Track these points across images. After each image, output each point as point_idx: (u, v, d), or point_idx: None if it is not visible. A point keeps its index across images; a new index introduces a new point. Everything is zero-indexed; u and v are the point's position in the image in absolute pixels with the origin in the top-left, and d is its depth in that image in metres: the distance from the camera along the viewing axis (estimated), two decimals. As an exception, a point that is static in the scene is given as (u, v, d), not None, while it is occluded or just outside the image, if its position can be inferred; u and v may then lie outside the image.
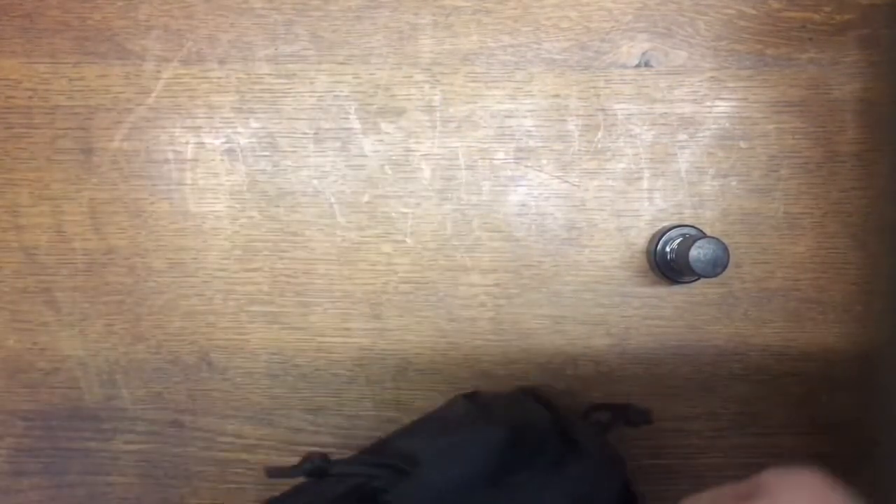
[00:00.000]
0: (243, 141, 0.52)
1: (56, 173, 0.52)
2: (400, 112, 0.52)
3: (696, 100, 0.52)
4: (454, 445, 0.42)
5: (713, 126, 0.52)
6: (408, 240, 0.53)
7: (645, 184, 0.53)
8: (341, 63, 0.52)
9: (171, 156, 0.52)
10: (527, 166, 0.52)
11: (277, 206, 0.53)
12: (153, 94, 0.52)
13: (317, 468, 0.40)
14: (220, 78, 0.52)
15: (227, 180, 0.52)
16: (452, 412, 0.48)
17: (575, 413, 0.48)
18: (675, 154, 0.52)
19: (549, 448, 0.42)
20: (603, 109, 0.52)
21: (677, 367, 0.53)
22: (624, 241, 0.53)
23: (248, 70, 0.52)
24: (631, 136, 0.52)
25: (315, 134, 0.52)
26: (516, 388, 0.50)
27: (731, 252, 0.46)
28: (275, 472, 0.41)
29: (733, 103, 0.52)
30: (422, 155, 0.52)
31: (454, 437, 0.43)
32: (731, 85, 0.52)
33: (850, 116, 0.52)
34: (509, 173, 0.52)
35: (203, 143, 0.52)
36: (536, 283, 0.53)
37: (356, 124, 0.52)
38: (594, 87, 0.52)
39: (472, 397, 0.49)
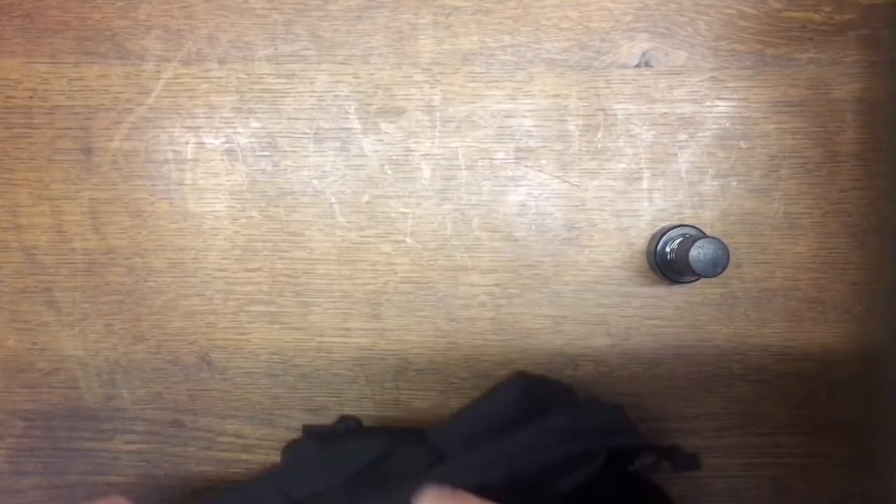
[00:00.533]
0: (243, 141, 0.52)
1: (56, 173, 0.52)
2: (400, 112, 0.52)
3: (696, 100, 0.52)
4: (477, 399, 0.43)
5: (713, 126, 0.52)
6: (408, 240, 0.53)
7: (645, 184, 0.52)
8: (341, 63, 0.52)
9: (171, 156, 0.52)
10: (527, 166, 0.52)
11: (277, 206, 0.53)
12: (153, 94, 0.52)
13: (350, 430, 0.43)
14: (220, 78, 0.52)
15: (227, 180, 0.52)
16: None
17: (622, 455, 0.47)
18: (675, 154, 0.52)
19: (562, 410, 0.44)
20: (603, 109, 0.52)
21: (677, 367, 0.53)
22: (624, 241, 0.53)
23: (248, 70, 0.52)
24: (631, 136, 0.52)
25: (315, 134, 0.52)
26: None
27: (731, 252, 0.46)
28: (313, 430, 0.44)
29: (733, 103, 0.52)
30: (422, 155, 0.52)
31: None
32: (731, 85, 0.52)
33: (850, 116, 0.52)
34: (509, 173, 0.52)
35: (203, 143, 0.52)
36: (536, 283, 0.53)
37: (356, 124, 0.52)
38: (594, 87, 0.52)
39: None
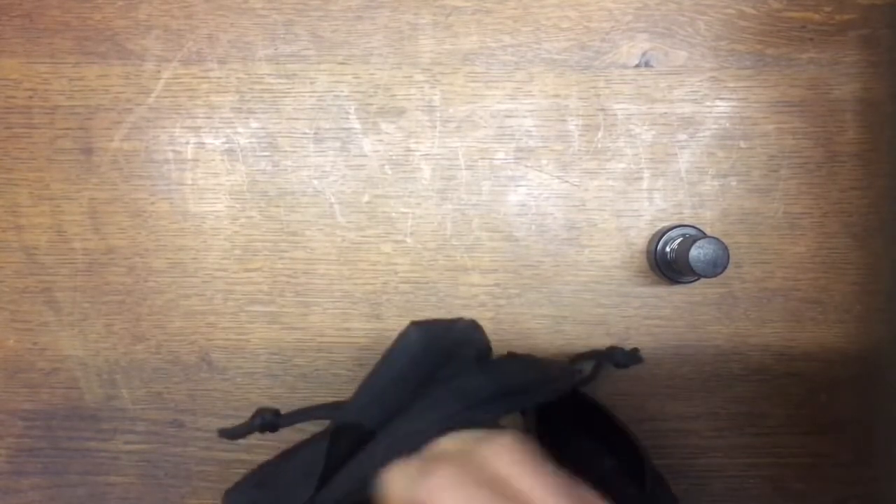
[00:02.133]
0: (243, 141, 0.52)
1: (56, 173, 0.52)
2: (400, 112, 0.52)
3: (696, 100, 0.52)
4: (375, 367, 0.41)
5: (713, 126, 0.52)
6: (408, 240, 0.53)
7: (645, 184, 0.52)
8: (341, 63, 0.52)
9: (171, 156, 0.52)
10: (527, 166, 0.52)
11: (277, 206, 0.53)
12: (153, 94, 0.52)
13: (268, 422, 0.41)
14: (220, 78, 0.52)
15: (227, 180, 0.52)
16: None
17: (560, 364, 0.48)
18: (675, 154, 0.52)
19: (464, 356, 0.42)
20: (603, 109, 0.52)
21: (677, 367, 0.53)
22: (624, 241, 0.53)
23: (248, 70, 0.52)
24: (631, 136, 0.52)
25: (315, 134, 0.52)
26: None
27: (731, 252, 0.46)
28: (227, 433, 0.41)
29: (733, 103, 0.52)
30: (422, 155, 0.52)
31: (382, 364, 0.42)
32: (731, 85, 0.52)
33: (850, 116, 0.52)
34: (509, 173, 0.52)
35: (203, 143, 0.52)
36: (536, 283, 0.53)
37: (356, 124, 0.52)
38: (594, 87, 0.52)
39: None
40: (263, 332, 0.53)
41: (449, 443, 0.35)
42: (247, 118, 0.52)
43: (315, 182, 0.52)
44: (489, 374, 0.39)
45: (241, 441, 0.54)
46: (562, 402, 0.43)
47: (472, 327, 0.43)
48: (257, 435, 0.53)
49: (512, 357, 0.46)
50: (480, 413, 0.38)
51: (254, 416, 0.41)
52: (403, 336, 0.41)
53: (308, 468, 0.39)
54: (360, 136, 0.52)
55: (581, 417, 0.48)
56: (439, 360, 0.41)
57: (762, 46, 0.52)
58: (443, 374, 0.40)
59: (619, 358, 0.49)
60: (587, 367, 0.49)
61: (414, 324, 0.41)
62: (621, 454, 0.47)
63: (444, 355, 0.41)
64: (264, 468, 0.43)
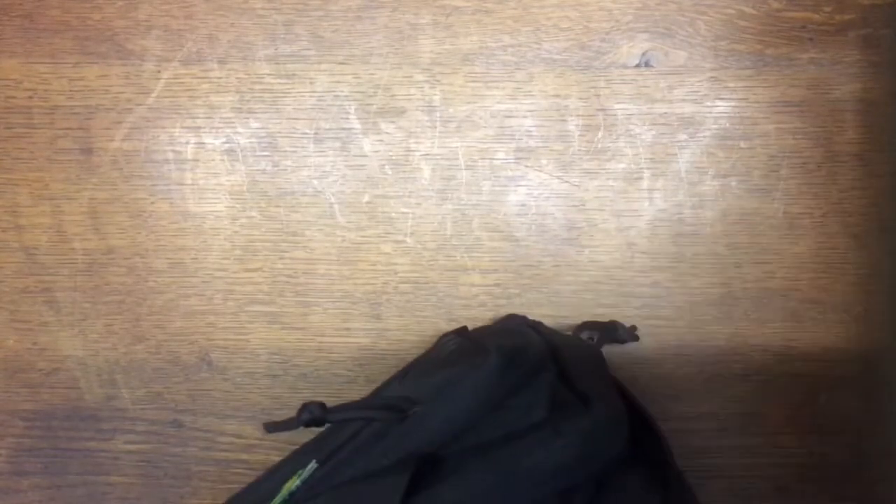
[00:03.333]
0: (243, 141, 0.52)
1: (56, 173, 0.52)
2: (400, 112, 0.52)
3: (696, 100, 0.52)
4: (449, 380, 0.42)
5: (713, 126, 0.52)
6: (408, 240, 0.53)
7: (645, 184, 0.52)
8: (341, 63, 0.52)
9: (171, 156, 0.52)
10: (527, 166, 0.52)
11: (277, 206, 0.53)
12: (153, 94, 0.52)
13: (315, 417, 0.41)
14: (220, 78, 0.52)
15: (227, 180, 0.52)
16: (443, 350, 0.48)
17: (565, 333, 0.50)
18: (675, 154, 0.52)
19: (544, 371, 0.43)
20: (603, 109, 0.52)
21: (677, 367, 0.53)
22: (624, 241, 0.53)
23: (248, 70, 0.52)
24: (631, 136, 0.52)
25: (315, 134, 0.52)
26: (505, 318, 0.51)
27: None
28: (273, 427, 0.41)
29: (733, 103, 0.52)
30: (422, 155, 0.52)
31: (448, 372, 0.43)
32: (731, 85, 0.52)
33: (850, 116, 0.52)
34: (509, 173, 0.52)
35: (203, 143, 0.52)
36: (536, 283, 0.53)
37: (356, 124, 0.52)
38: (594, 87, 0.52)
39: (460, 332, 0.50)
40: (263, 332, 0.53)
41: None
42: (247, 118, 0.52)
43: (315, 182, 0.52)
44: (563, 442, 0.40)
45: (241, 441, 0.54)
46: None
47: (545, 349, 0.44)
48: (257, 435, 0.54)
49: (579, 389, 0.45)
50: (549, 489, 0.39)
51: (300, 411, 0.41)
52: (483, 358, 0.42)
53: (385, 497, 0.38)
54: (360, 136, 0.52)
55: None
56: (516, 386, 0.41)
57: (762, 46, 0.52)
58: (514, 403, 0.41)
59: (619, 334, 0.50)
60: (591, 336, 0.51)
61: (495, 347, 0.42)
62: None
63: (519, 383, 0.42)
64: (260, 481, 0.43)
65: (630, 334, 0.51)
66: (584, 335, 0.51)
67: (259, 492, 0.42)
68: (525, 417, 0.41)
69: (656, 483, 0.44)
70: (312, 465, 0.41)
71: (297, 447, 0.45)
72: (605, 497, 0.41)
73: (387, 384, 0.47)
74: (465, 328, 0.51)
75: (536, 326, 0.50)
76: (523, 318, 0.51)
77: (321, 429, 0.43)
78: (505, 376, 0.41)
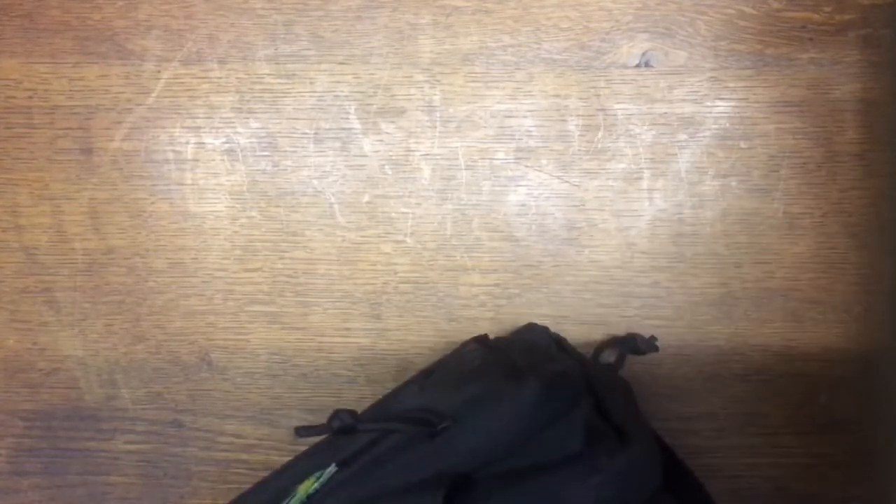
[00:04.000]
0: (243, 141, 0.52)
1: (56, 173, 0.52)
2: (400, 112, 0.52)
3: (696, 100, 0.52)
4: (482, 399, 0.41)
5: (713, 126, 0.52)
6: (408, 240, 0.53)
7: (645, 184, 0.52)
8: (341, 63, 0.52)
9: (171, 156, 0.52)
10: (527, 166, 0.52)
11: (277, 206, 0.53)
12: (153, 94, 0.52)
13: (346, 425, 0.41)
14: (220, 78, 0.52)
15: (227, 180, 0.52)
16: (467, 361, 0.47)
17: (585, 355, 0.49)
18: (675, 154, 0.52)
19: (582, 401, 0.42)
20: (603, 109, 0.52)
21: (677, 367, 0.53)
22: (624, 241, 0.53)
23: (248, 70, 0.52)
24: (631, 136, 0.52)
25: (315, 134, 0.52)
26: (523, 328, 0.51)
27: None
28: (304, 431, 0.41)
29: (733, 103, 0.52)
30: (422, 155, 0.52)
31: (479, 389, 0.42)
32: (731, 85, 0.52)
33: (850, 116, 0.52)
34: (509, 173, 0.52)
35: (203, 143, 0.52)
36: (536, 283, 0.53)
37: (356, 124, 0.52)
38: (594, 87, 0.52)
39: (482, 341, 0.49)
40: (263, 332, 0.53)
41: None
42: (247, 118, 0.52)
43: (315, 182, 0.52)
44: (600, 479, 0.39)
45: (241, 441, 0.54)
46: None
47: (581, 377, 0.44)
48: (257, 435, 0.54)
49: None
50: None
51: (331, 418, 0.41)
52: (523, 384, 0.41)
53: None
54: (360, 136, 0.52)
55: None
56: (553, 416, 0.41)
57: (762, 46, 0.52)
58: (551, 433, 0.41)
59: (639, 345, 0.50)
60: (610, 356, 0.51)
61: (535, 374, 0.41)
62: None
63: (557, 413, 0.41)
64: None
65: (650, 345, 0.51)
66: (605, 354, 0.51)
67: (267, 491, 0.42)
68: (560, 448, 0.40)
69: None
70: (332, 468, 0.41)
71: (302, 447, 0.45)
72: None
73: (402, 388, 0.47)
74: (485, 336, 0.51)
75: (560, 342, 0.49)
76: (544, 329, 0.50)
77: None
78: (545, 405, 0.41)
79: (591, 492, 0.39)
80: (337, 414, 0.41)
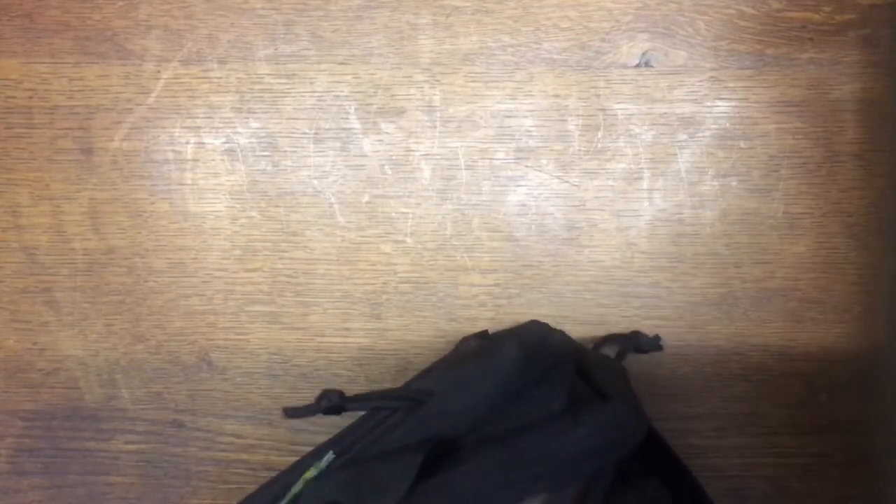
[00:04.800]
0: (243, 141, 0.52)
1: (56, 173, 0.52)
2: (400, 112, 0.52)
3: (696, 100, 0.52)
4: (466, 373, 0.42)
5: (713, 126, 0.52)
6: (408, 240, 0.53)
7: (645, 184, 0.53)
8: (341, 63, 0.52)
9: (171, 156, 0.52)
10: (527, 166, 0.52)
11: (277, 206, 0.53)
12: (153, 94, 0.52)
13: (333, 405, 0.41)
14: (220, 78, 0.52)
15: (227, 180, 0.52)
16: (465, 349, 0.48)
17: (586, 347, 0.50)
18: (675, 154, 0.52)
19: (564, 364, 0.43)
20: (603, 109, 0.52)
21: (677, 367, 0.53)
22: (624, 241, 0.53)
23: (248, 70, 0.52)
24: (631, 136, 0.52)
25: (315, 134, 0.52)
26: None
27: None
28: (293, 412, 0.42)
29: (733, 103, 0.52)
30: (422, 155, 0.52)
31: (466, 367, 0.43)
32: (731, 85, 0.52)
33: (850, 116, 0.52)
34: (509, 173, 0.52)
35: (203, 143, 0.52)
36: (536, 283, 0.53)
37: (356, 124, 0.52)
38: (594, 87, 0.52)
39: (482, 335, 0.50)
40: (263, 332, 0.53)
41: None
42: (247, 118, 0.52)
43: (315, 182, 0.52)
44: (582, 431, 0.40)
45: (241, 441, 0.54)
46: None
47: (565, 344, 0.45)
48: (257, 435, 0.54)
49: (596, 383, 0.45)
50: (565, 476, 0.39)
51: (319, 398, 0.42)
52: (502, 349, 0.42)
53: (397, 474, 0.39)
54: (360, 136, 0.52)
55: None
56: (535, 378, 0.42)
57: (762, 46, 0.52)
58: (533, 395, 0.41)
59: (642, 343, 0.50)
60: (611, 350, 0.51)
61: (515, 339, 0.42)
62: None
63: (537, 376, 0.42)
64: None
65: (653, 344, 0.51)
66: (605, 350, 0.51)
67: (274, 490, 0.42)
68: (544, 409, 0.41)
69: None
70: (330, 455, 0.41)
71: (301, 446, 0.46)
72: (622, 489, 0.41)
73: (409, 381, 0.47)
74: (485, 332, 0.51)
75: (560, 334, 0.50)
76: (545, 325, 0.51)
77: (338, 417, 0.43)
78: (524, 367, 0.41)
79: (574, 445, 0.39)
80: (325, 394, 0.41)
